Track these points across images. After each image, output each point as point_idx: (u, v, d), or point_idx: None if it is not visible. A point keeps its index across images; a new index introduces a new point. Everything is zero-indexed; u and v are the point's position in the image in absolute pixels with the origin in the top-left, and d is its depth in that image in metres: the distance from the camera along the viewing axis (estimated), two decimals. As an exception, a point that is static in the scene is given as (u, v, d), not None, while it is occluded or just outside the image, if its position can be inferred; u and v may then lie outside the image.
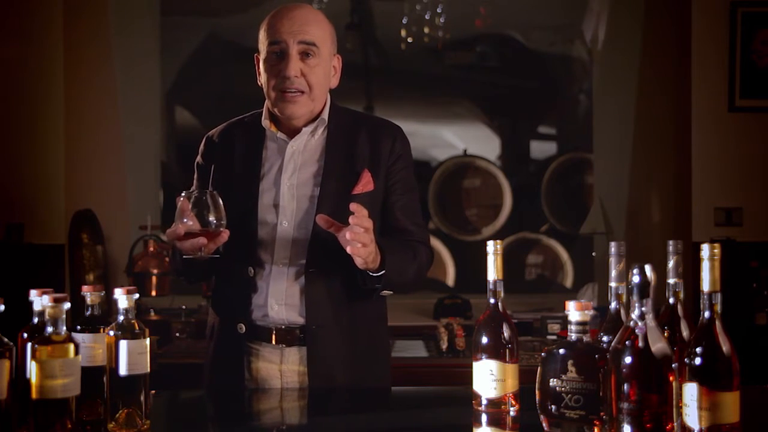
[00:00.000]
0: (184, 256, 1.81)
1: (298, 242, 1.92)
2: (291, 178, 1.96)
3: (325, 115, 2.00)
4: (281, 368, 1.93)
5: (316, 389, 1.91)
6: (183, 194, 1.78)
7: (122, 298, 1.49)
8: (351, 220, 1.71)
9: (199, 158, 2.09)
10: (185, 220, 1.74)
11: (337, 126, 2.01)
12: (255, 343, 1.94)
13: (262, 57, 1.98)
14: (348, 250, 1.72)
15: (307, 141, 1.99)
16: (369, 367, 1.99)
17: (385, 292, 1.95)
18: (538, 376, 1.42)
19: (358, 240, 1.71)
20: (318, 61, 1.94)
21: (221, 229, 1.76)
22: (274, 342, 1.92)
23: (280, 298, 1.92)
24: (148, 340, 1.50)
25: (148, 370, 1.50)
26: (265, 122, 2.00)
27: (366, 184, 1.95)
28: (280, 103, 1.94)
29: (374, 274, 1.84)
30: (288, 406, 1.87)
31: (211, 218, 1.75)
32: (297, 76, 1.91)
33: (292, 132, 1.99)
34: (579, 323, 1.39)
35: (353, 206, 1.72)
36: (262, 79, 1.99)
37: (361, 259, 1.76)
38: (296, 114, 1.95)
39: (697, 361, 1.28)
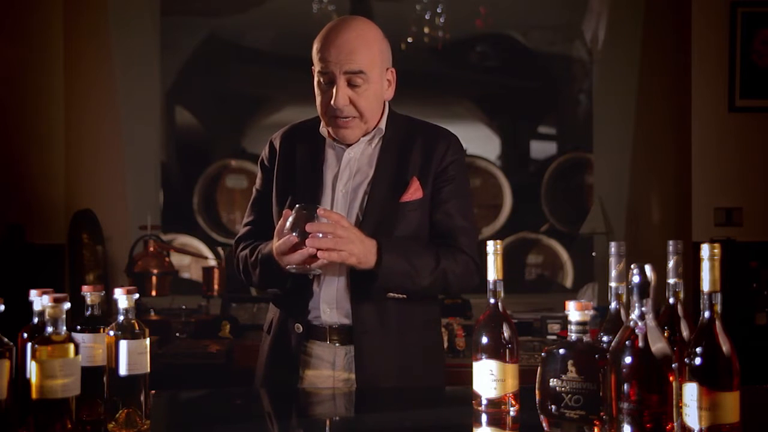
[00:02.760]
0: (289, 268, 1.83)
1: None
2: (346, 185, 1.98)
3: (383, 125, 2.02)
4: (334, 363, 1.95)
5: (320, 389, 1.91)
6: (297, 206, 1.81)
7: (122, 298, 1.49)
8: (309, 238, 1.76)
9: (263, 157, 2.11)
10: (295, 233, 1.78)
11: (394, 134, 2.02)
12: (310, 341, 1.96)
13: (315, 73, 1.97)
14: (319, 255, 1.77)
15: (364, 149, 2.01)
16: (419, 371, 1.99)
17: (394, 295, 1.94)
18: (538, 376, 1.42)
19: (315, 246, 1.76)
20: (367, 87, 1.94)
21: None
22: (328, 340, 1.94)
23: (331, 302, 1.94)
24: (148, 340, 1.50)
25: (148, 370, 1.50)
26: (323, 131, 2.02)
27: (414, 191, 1.96)
28: (332, 128, 1.97)
29: (362, 270, 1.86)
30: (299, 405, 1.87)
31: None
32: (346, 104, 1.92)
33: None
34: (579, 323, 1.39)
35: (319, 211, 1.78)
36: (317, 93, 1.99)
37: (355, 259, 1.80)
38: (348, 138, 1.98)
39: (697, 361, 1.28)
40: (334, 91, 1.91)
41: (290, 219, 1.80)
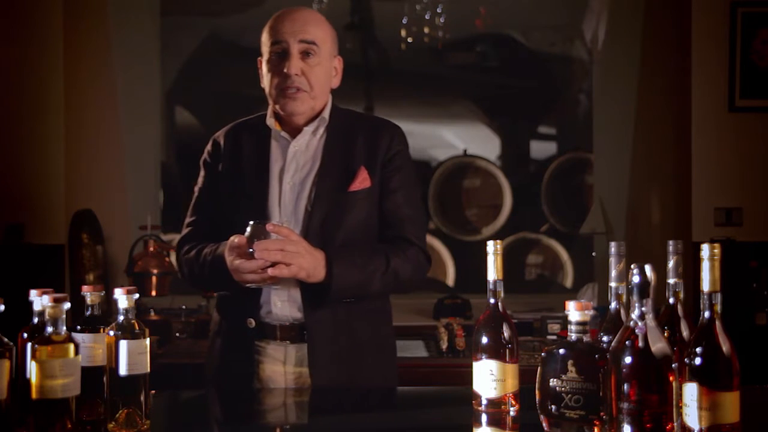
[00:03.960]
0: (248, 285, 1.85)
1: None
2: (293, 177, 2.00)
3: (326, 114, 2.03)
4: (285, 366, 1.95)
5: (318, 389, 1.91)
6: (251, 223, 1.82)
7: (122, 298, 1.49)
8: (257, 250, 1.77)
9: (205, 156, 2.12)
10: (250, 250, 1.79)
11: (337, 125, 2.04)
12: (262, 341, 1.96)
13: (264, 58, 2.02)
14: (269, 272, 1.78)
15: (308, 140, 2.03)
16: (371, 364, 2.01)
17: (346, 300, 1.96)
18: (538, 376, 1.42)
19: (265, 258, 1.77)
20: (318, 60, 1.98)
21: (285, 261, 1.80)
22: (278, 338, 1.95)
23: (282, 294, 1.95)
24: (148, 340, 1.50)
25: (148, 370, 1.50)
26: (270, 121, 2.04)
27: (362, 181, 1.99)
28: (281, 100, 1.98)
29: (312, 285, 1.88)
30: (290, 405, 1.87)
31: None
32: (298, 74, 1.96)
33: (295, 132, 2.03)
34: (579, 323, 1.39)
35: (269, 226, 1.79)
36: (265, 80, 2.03)
37: (304, 273, 1.82)
38: (297, 110, 1.98)
39: (697, 361, 1.28)
40: (288, 60, 1.95)
41: (247, 235, 1.81)
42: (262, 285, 1.87)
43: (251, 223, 1.83)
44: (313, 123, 2.02)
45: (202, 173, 2.12)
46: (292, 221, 1.96)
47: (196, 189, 2.12)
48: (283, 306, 1.95)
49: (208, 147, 2.12)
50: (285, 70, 1.95)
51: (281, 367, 1.96)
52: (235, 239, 1.83)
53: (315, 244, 1.90)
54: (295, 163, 2.01)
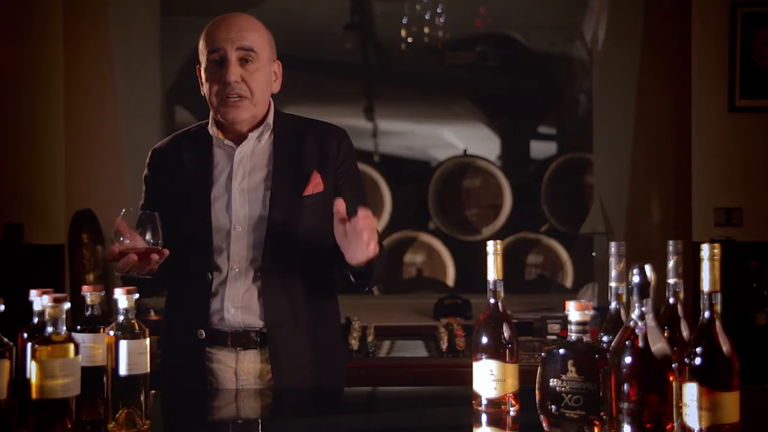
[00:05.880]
0: (116, 273, 1.82)
1: (253, 246, 1.95)
2: (241, 183, 1.98)
3: (270, 119, 2.03)
4: (237, 372, 1.95)
5: (316, 388, 1.91)
6: (122, 213, 1.79)
7: (122, 298, 1.49)
8: (360, 221, 1.74)
9: (146, 171, 2.10)
10: (121, 239, 1.76)
11: (283, 130, 2.04)
12: (213, 347, 1.95)
13: (203, 67, 2.00)
14: (371, 247, 1.75)
15: (254, 146, 2.02)
16: (329, 367, 2.02)
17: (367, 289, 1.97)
18: (538, 376, 1.42)
19: (372, 238, 1.75)
20: (257, 66, 1.97)
21: (155, 248, 1.77)
22: (230, 345, 1.94)
23: (236, 301, 1.94)
24: (148, 340, 1.50)
25: (148, 370, 1.50)
26: (212, 129, 2.03)
27: (316, 185, 1.98)
28: (222, 108, 1.97)
29: (360, 271, 1.86)
30: (276, 407, 1.87)
31: (147, 237, 1.77)
32: (237, 81, 1.94)
33: (239, 138, 2.01)
34: (579, 323, 1.39)
35: (360, 210, 1.75)
36: (205, 88, 2.01)
37: (363, 258, 1.78)
38: (239, 119, 1.97)
39: (697, 361, 1.28)
40: (227, 67, 1.93)
41: (114, 227, 1.78)
42: (128, 274, 1.79)
43: (123, 212, 1.79)
44: (258, 129, 2.01)
45: (143, 188, 2.11)
46: (245, 226, 1.95)
47: (140, 205, 2.09)
48: (236, 312, 1.93)
49: (148, 159, 2.10)
50: (224, 79, 1.93)
51: (232, 373, 1.95)
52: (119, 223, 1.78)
53: (277, 246, 1.91)
54: (242, 168, 1.99)
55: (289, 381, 1.93)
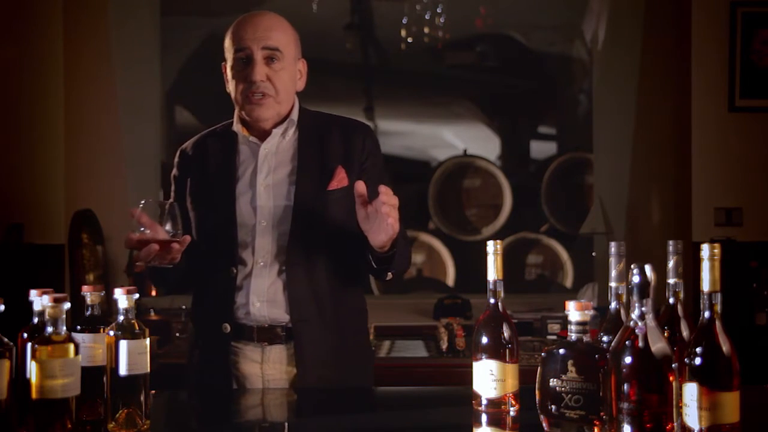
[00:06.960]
0: (137, 263, 1.84)
1: (278, 240, 1.96)
2: (266, 179, 2.00)
3: (294, 116, 2.04)
4: (263, 367, 1.96)
5: (308, 389, 1.91)
6: (140, 205, 1.79)
7: (122, 298, 1.49)
8: (381, 197, 1.74)
9: (175, 171, 2.14)
10: (142, 229, 1.77)
11: (308, 126, 2.05)
12: (239, 342, 1.96)
13: (229, 65, 2.02)
14: (389, 222, 1.75)
15: (279, 142, 2.03)
16: (355, 361, 2.02)
17: (389, 276, 1.95)
18: (538, 376, 1.42)
19: (391, 215, 1.75)
20: (283, 65, 1.99)
21: (176, 238, 1.78)
22: (255, 340, 1.95)
23: (261, 294, 1.95)
24: (148, 340, 1.50)
25: (148, 370, 1.50)
26: (237, 127, 2.05)
27: (341, 180, 1.99)
28: (247, 106, 1.99)
29: (383, 255, 1.86)
30: (280, 405, 1.87)
31: (167, 227, 1.78)
32: (263, 80, 1.96)
33: (264, 135, 2.03)
34: (579, 323, 1.39)
35: (381, 188, 1.74)
36: (230, 86, 2.03)
37: (386, 237, 1.78)
38: (263, 116, 1.99)
39: (697, 361, 1.28)
40: (252, 67, 1.95)
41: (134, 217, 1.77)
42: (151, 264, 1.81)
43: (143, 202, 1.79)
44: (282, 125, 2.02)
45: (172, 187, 2.13)
46: (270, 221, 1.96)
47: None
48: (261, 306, 1.94)
49: (176, 158, 2.13)
50: (250, 78, 1.95)
51: (258, 368, 1.96)
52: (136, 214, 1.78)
53: (303, 241, 1.92)
54: (267, 164, 2.01)
55: (313, 377, 1.93)
